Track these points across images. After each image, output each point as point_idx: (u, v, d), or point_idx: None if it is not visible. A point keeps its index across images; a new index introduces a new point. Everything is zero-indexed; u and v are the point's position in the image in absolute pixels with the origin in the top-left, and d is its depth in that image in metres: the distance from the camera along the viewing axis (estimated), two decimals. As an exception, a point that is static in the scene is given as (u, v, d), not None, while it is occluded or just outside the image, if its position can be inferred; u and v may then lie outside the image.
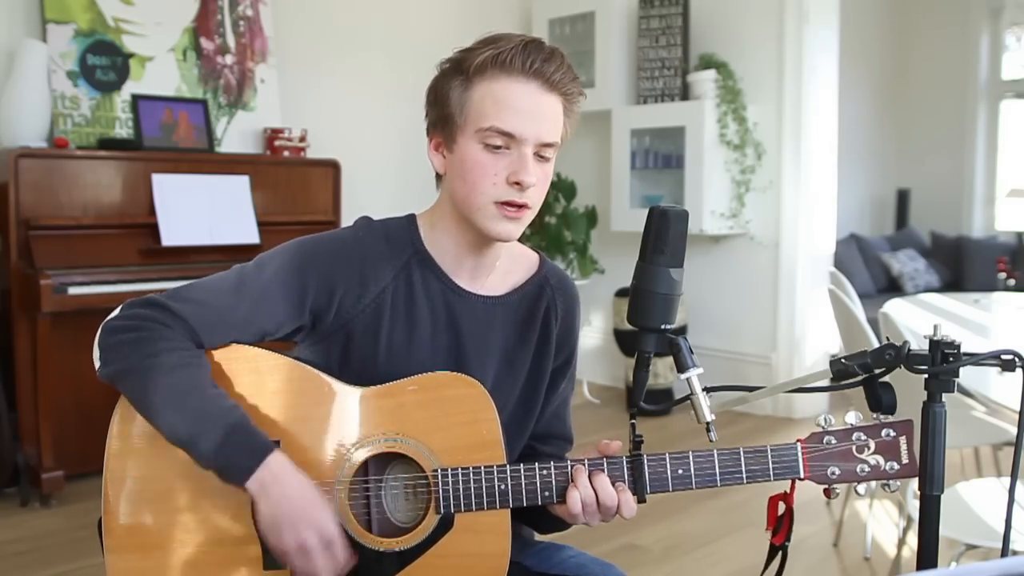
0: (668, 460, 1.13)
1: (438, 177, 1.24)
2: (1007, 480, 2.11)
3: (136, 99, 3.68)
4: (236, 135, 4.02)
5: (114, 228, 3.40)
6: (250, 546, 1.12)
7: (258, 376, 1.15)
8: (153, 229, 3.45)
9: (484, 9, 5.07)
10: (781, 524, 1.14)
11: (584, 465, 1.14)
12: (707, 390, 1.09)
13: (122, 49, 3.69)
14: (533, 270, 1.32)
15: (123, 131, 3.66)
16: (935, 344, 1.01)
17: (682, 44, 4.67)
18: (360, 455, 1.14)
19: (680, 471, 1.13)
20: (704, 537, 2.92)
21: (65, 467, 3.21)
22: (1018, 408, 0.97)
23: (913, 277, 6.15)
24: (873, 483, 1.14)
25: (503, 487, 1.12)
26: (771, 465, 1.12)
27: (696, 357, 1.10)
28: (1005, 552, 1.00)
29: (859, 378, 1.09)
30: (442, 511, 1.13)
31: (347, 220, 3.96)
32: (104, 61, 3.63)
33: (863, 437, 1.12)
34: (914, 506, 1.11)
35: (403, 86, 4.50)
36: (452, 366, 1.22)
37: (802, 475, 1.12)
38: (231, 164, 3.80)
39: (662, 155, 4.82)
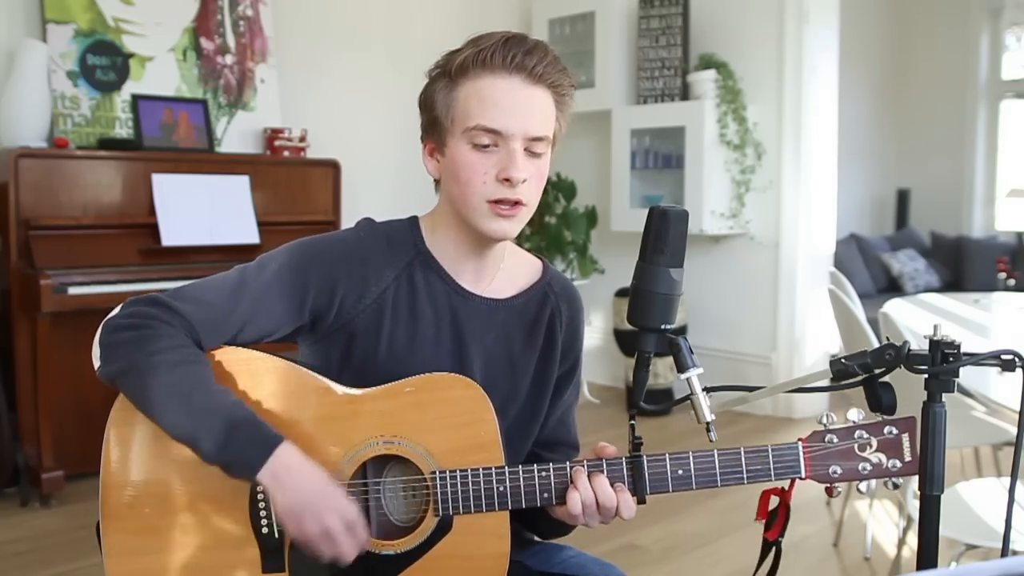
0: (668, 460, 1.13)
1: (436, 181, 1.24)
2: (1007, 480, 2.11)
3: (136, 99, 3.68)
4: (236, 135, 4.02)
5: (114, 228, 3.40)
6: (248, 548, 1.12)
7: (255, 378, 1.15)
8: (153, 229, 3.44)
9: (484, 9, 5.07)
10: (775, 519, 1.14)
11: (583, 466, 1.13)
12: (707, 390, 1.09)
13: (122, 49, 3.69)
14: (537, 276, 1.32)
15: (123, 131, 3.66)
16: (935, 344, 1.01)
17: (682, 44, 4.67)
18: (358, 457, 1.14)
19: (680, 471, 1.12)
20: (704, 537, 2.92)
21: (65, 467, 3.21)
22: (1018, 408, 0.97)
23: (913, 277, 6.15)
24: (875, 481, 1.14)
25: (501, 489, 1.12)
26: (772, 465, 1.12)
27: (696, 357, 1.09)
28: (1005, 552, 1.00)
29: (859, 378, 1.09)
30: (440, 513, 1.13)
31: (347, 220, 3.97)
32: (104, 61, 3.63)
33: (865, 435, 1.11)
34: (914, 506, 1.11)
35: (403, 86, 4.48)
36: (455, 367, 1.22)
37: (803, 474, 1.12)
38: (231, 164, 3.80)
39: (662, 155, 4.82)
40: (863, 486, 1.13)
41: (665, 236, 1.07)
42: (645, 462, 1.13)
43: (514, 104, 1.14)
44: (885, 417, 1.11)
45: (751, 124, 4.52)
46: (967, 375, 1.19)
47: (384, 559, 1.13)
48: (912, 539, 2.01)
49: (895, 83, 7.08)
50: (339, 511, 1.07)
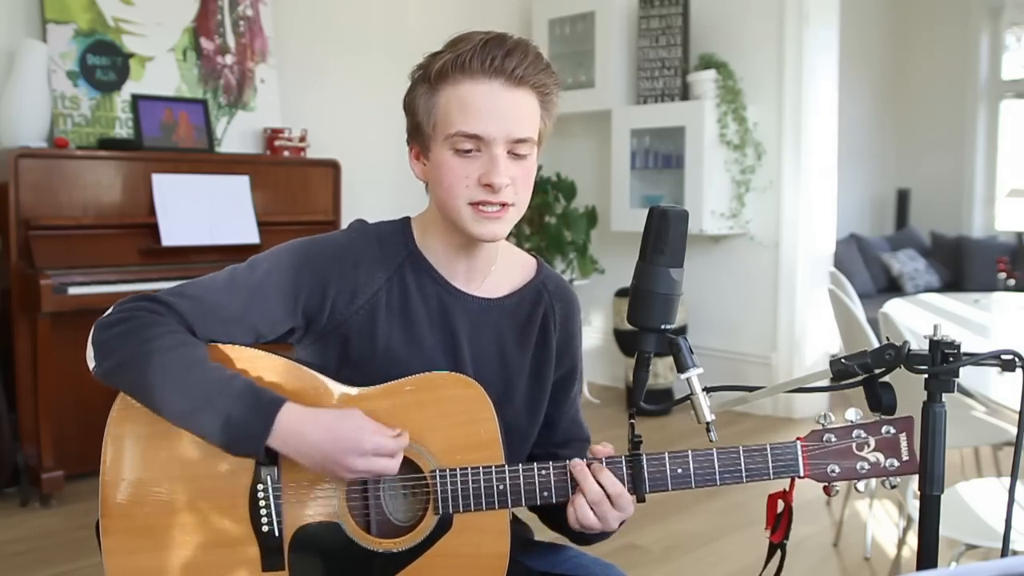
0: (667, 459, 1.13)
1: (425, 184, 1.24)
2: (1007, 480, 2.11)
3: (136, 99, 3.68)
4: (236, 135, 4.02)
5: (114, 228, 3.40)
6: (248, 547, 1.12)
7: (256, 376, 1.15)
8: (153, 229, 3.45)
9: (484, 9, 5.07)
10: (780, 522, 1.14)
11: (583, 463, 1.13)
12: (707, 390, 1.09)
13: (122, 49, 3.69)
14: (531, 275, 1.31)
15: (123, 131, 3.66)
16: (935, 344, 1.01)
17: (682, 44, 4.67)
18: None
19: (679, 470, 1.12)
20: (704, 537, 2.92)
21: (65, 467, 3.21)
22: (1018, 408, 0.97)
23: (913, 277, 6.15)
24: (873, 480, 1.14)
25: (501, 487, 1.12)
26: (771, 464, 1.12)
27: (696, 357, 1.09)
28: (1005, 552, 1.00)
29: (859, 378, 1.09)
30: (441, 511, 1.13)
31: (347, 220, 3.97)
32: (104, 61, 3.63)
33: (863, 434, 1.12)
34: (914, 506, 1.11)
35: (403, 86, 4.46)
36: (450, 366, 1.22)
37: (802, 473, 1.12)
38: (231, 164, 3.80)
39: (662, 155, 4.82)
40: (861, 485, 1.13)
41: (665, 236, 1.07)
42: (644, 461, 1.13)
43: (495, 109, 1.13)
44: (883, 416, 1.11)
45: (751, 124, 4.52)
46: (967, 375, 1.19)
47: (384, 557, 1.13)
48: (912, 539, 2.01)
49: (895, 83, 7.08)
50: (353, 449, 1.07)
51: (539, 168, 1.23)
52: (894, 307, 3.18)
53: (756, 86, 4.55)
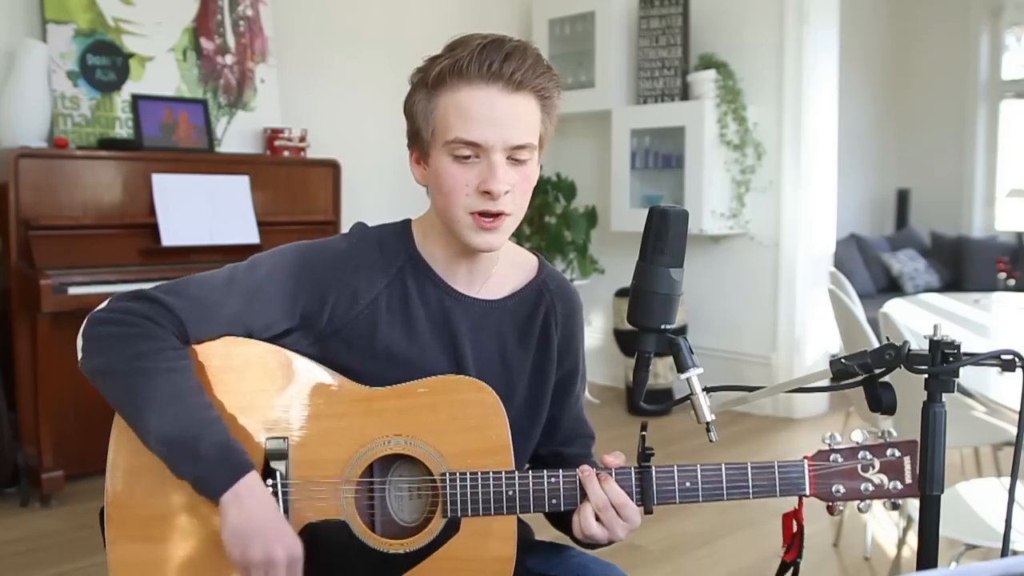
0: (676, 473, 1.13)
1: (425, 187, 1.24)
2: (1007, 480, 2.11)
3: (136, 99, 3.68)
4: (236, 135, 4.02)
5: (114, 228, 3.40)
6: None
7: (267, 371, 1.15)
8: (153, 229, 3.45)
9: (484, 9, 5.07)
10: (794, 541, 1.15)
11: (591, 471, 1.14)
12: (707, 390, 1.09)
13: (122, 49, 3.69)
14: (532, 274, 1.31)
15: (123, 131, 3.66)
16: (935, 344, 1.01)
17: (682, 44, 4.67)
18: (368, 455, 1.14)
19: (688, 484, 1.13)
20: (704, 537, 2.92)
21: (65, 467, 3.21)
22: (1018, 408, 0.97)
23: (913, 277, 6.15)
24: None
25: (511, 493, 1.12)
26: (778, 482, 1.13)
27: (696, 357, 1.09)
28: (1005, 552, 1.00)
29: (859, 378, 1.09)
30: (449, 514, 1.13)
31: (347, 220, 3.97)
32: (104, 61, 3.63)
33: (868, 456, 1.13)
34: (914, 506, 1.11)
35: (403, 86, 4.45)
36: (451, 368, 1.22)
37: (808, 492, 1.13)
38: (231, 164, 3.80)
39: (662, 155, 4.82)
40: (863, 504, 1.14)
41: (665, 236, 1.07)
42: (654, 473, 1.13)
43: (493, 115, 1.12)
44: (888, 440, 1.12)
45: (751, 124, 4.52)
46: (967, 375, 1.19)
47: (390, 558, 1.13)
48: (912, 539, 2.01)
49: (895, 83, 7.08)
50: (288, 545, 1.07)
51: (540, 168, 1.23)
52: (894, 307, 3.18)
53: (756, 86, 4.55)
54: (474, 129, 1.12)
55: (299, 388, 1.15)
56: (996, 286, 4.01)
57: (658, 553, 2.80)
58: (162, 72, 3.81)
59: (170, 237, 3.45)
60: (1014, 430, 1.30)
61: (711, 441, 1.10)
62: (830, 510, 1.14)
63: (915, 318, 3.00)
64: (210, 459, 1.06)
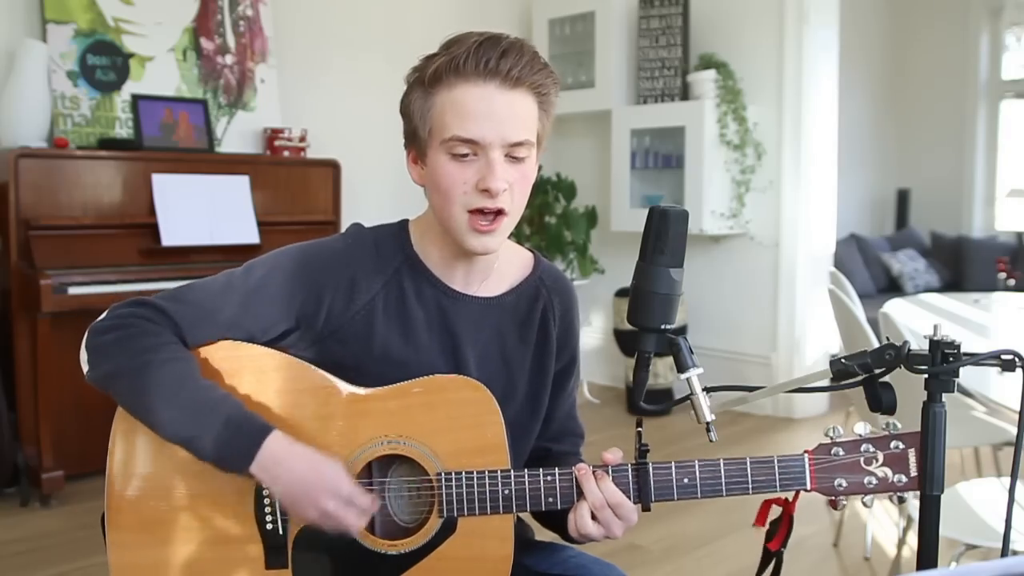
0: (673, 469, 1.12)
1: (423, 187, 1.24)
2: (1007, 480, 2.11)
3: (136, 99, 3.68)
4: (236, 135, 4.02)
5: (114, 228, 3.40)
6: (252, 544, 1.12)
7: (262, 375, 1.15)
8: (153, 229, 3.44)
9: (484, 9, 5.07)
10: (777, 529, 1.14)
11: (588, 470, 1.13)
12: (707, 390, 1.09)
13: (122, 49, 3.69)
14: (528, 270, 1.31)
15: (123, 131, 3.66)
16: (935, 344, 1.01)
17: (682, 44, 4.67)
18: (364, 457, 1.14)
19: (685, 480, 1.12)
20: (704, 537, 2.92)
21: (65, 467, 3.21)
22: (1018, 408, 0.97)
23: (913, 277, 6.15)
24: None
25: (507, 492, 1.12)
26: (778, 476, 1.12)
27: (696, 357, 1.09)
28: (1005, 552, 1.00)
29: (859, 378, 1.08)
30: (445, 514, 1.13)
31: (347, 220, 3.96)
32: (104, 61, 3.63)
33: (871, 449, 1.10)
34: (914, 506, 1.11)
35: (403, 86, 4.49)
36: (449, 368, 1.22)
37: (809, 487, 1.11)
38: (231, 164, 3.79)
39: (662, 155, 4.82)
40: (867, 499, 1.13)
41: (665, 236, 1.07)
42: (651, 470, 1.12)
43: (490, 112, 1.11)
44: (892, 432, 1.11)
45: (751, 124, 4.52)
46: (967, 375, 1.19)
47: (387, 559, 1.13)
48: (912, 539, 2.01)
49: (895, 83, 7.08)
50: (331, 490, 1.07)
51: (539, 168, 1.22)
52: (894, 307, 3.18)
53: (756, 86, 4.55)
54: (471, 126, 1.11)
55: (296, 390, 1.15)
56: (996, 286, 4.01)
57: (658, 553, 2.80)
58: (162, 72, 3.81)
59: (170, 237, 3.45)
60: (1014, 430, 1.30)
61: (711, 441, 1.10)
62: (833, 504, 1.13)
63: (915, 318, 3.00)
64: (227, 435, 1.06)
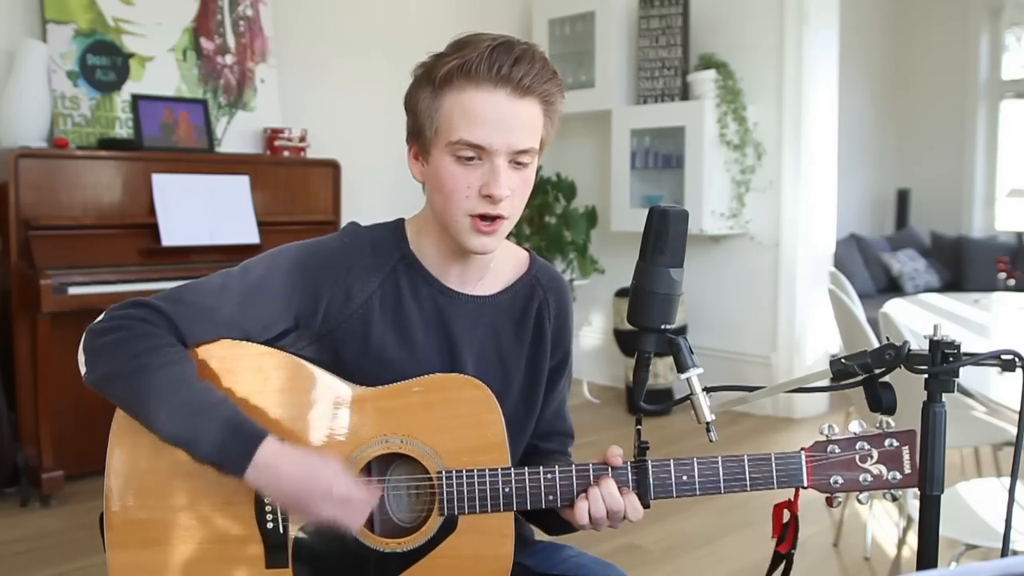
0: (672, 467, 1.13)
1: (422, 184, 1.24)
2: (1007, 480, 2.11)
3: (136, 99, 3.68)
4: (236, 135, 4.02)
5: (114, 228, 3.40)
6: (252, 544, 1.12)
7: (262, 374, 1.15)
8: (153, 229, 3.45)
9: (484, 9, 5.07)
10: (787, 532, 1.15)
11: (590, 471, 1.13)
12: (707, 390, 1.09)
13: (122, 49, 3.69)
14: (523, 269, 1.31)
15: (123, 131, 3.66)
16: (935, 344, 1.01)
17: (682, 44, 4.67)
18: (364, 456, 1.14)
19: (684, 478, 1.13)
20: (704, 537, 2.92)
21: (65, 467, 3.21)
22: (1018, 408, 0.97)
23: (913, 277, 6.15)
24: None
25: (507, 490, 1.12)
26: (775, 473, 1.12)
27: (696, 357, 1.09)
28: (1005, 552, 1.00)
29: (859, 378, 1.09)
30: (446, 513, 1.13)
31: (347, 220, 3.97)
32: (104, 61, 3.63)
33: (866, 446, 1.12)
34: (914, 506, 1.11)
35: (403, 86, 4.47)
36: (446, 367, 1.22)
37: (805, 483, 1.12)
38: (231, 164, 3.80)
39: (662, 155, 4.82)
40: (863, 496, 1.14)
41: (665, 236, 1.07)
42: (650, 467, 1.13)
43: (499, 119, 1.11)
44: (886, 429, 1.12)
45: (751, 124, 4.52)
46: (967, 375, 1.19)
47: (388, 557, 1.13)
48: (912, 539, 2.02)
49: (895, 83, 7.08)
50: (326, 494, 1.07)
51: (539, 169, 1.22)
52: (894, 307, 3.18)
53: (756, 86, 4.55)
54: (479, 132, 1.11)
55: (295, 390, 1.15)
56: (996, 286, 4.01)
57: (658, 553, 2.80)
58: (162, 72, 3.81)
59: (170, 237, 3.45)
60: (1014, 430, 1.30)
61: (711, 441, 1.10)
62: (829, 502, 1.14)
63: (915, 318, 3.00)
64: (221, 440, 1.07)
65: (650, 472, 1.13)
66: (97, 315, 1.16)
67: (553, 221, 4.87)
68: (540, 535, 1.36)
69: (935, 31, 6.93)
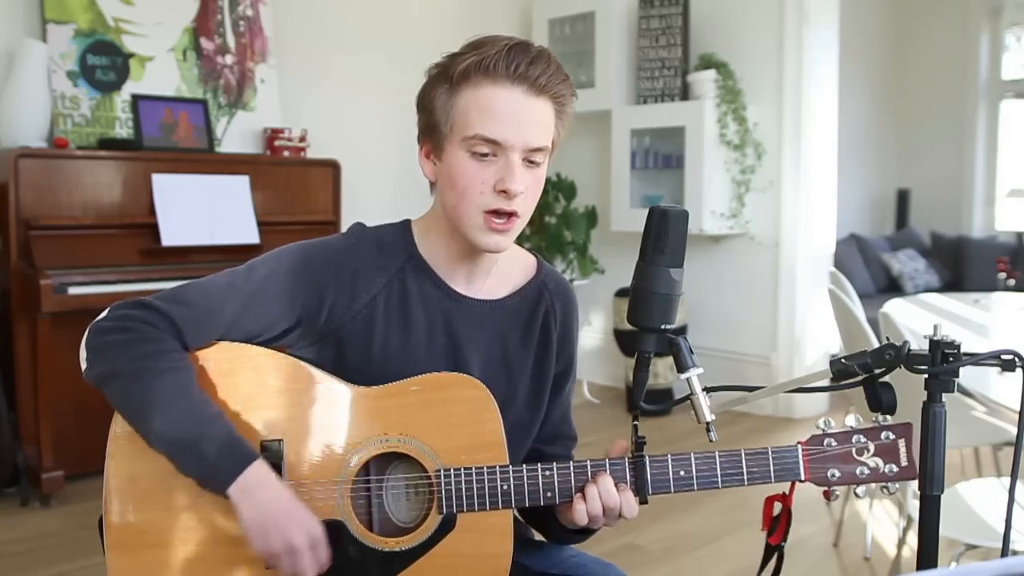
0: (670, 461, 1.13)
1: (432, 183, 1.24)
2: (1007, 480, 2.11)
3: (136, 99, 3.68)
4: (236, 135, 4.02)
5: (114, 228, 3.40)
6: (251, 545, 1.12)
7: (260, 374, 1.15)
8: (153, 229, 3.45)
9: (484, 9, 5.07)
10: (777, 524, 1.15)
11: (587, 468, 1.14)
12: (707, 390, 1.09)
13: (122, 49, 3.69)
14: (531, 274, 1.31)
15: (123, 131, 3.66)
16: (935, 344, 1.01)
17: (682, 44, 4.67)
18: (362, 455, 1.14)
19: (682, 472, 1.13)
20: (704, 537, 2.92)
21: (65, 467, 3.21)
22: (1018, 408, 0.97)
23: (913, 277, 6.15)
24: (872, 485, 1.14)
25: (505, 488, 1.12)
26: (772, 467, 1.13)
27: (696, 357, 1.10)
28: (1005, 552, 1.00)
29: (859, 378, 1.09)
30: (444, 511, 1.13)
31: (347, 220, 3.97)
32: (104, 61, 3.63)
33: (863, 439, 1.12)
34: (914, 506, 1.11)
35: (403, 86, 4.47)
36: (450, 368, 1.22)
37: (802, 477, 1.13)
38: (231, 164, 3.80)
39: (662, 155, 4.82)
40: (860, 490, 1.14)
41: (665, 236, 1.07)
42: (648, 463, 1.13)
43: (515, 115, 1.13)
44: (882, 422, 1.12)
45: (751, 124, 4.52)
46: (967, 375, 1.19)
47: (387, 556, 1.13)
48: (912, 539, 2.02)
49: (895, 83, 7.08)
50: (305, 528, 1.08)
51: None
52: (894, 307, 3.18)
53: (756, 86, 4.55)
54: (496, 127, 1.12)
55: (294, 390, 1.15)
56: (996, 286, 4.01)
57: (658, 553, 2.80)
58: (162, 72, 3.81)
59: (170, 237, 3.45)
60: (1014, 430, 1.30)
61: (711, 441, 1.10)
62: (827, 495, 1.14)
63: (915, 318, 3.00)
64: (213, 455, 1.07)
65: (648, 467, 1.13)
66: (97, 315, 1.16)
67: (553, 221, 4.87)
68: (540, 536, 1.36)
69: (935, 31, 6.93)
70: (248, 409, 1.14)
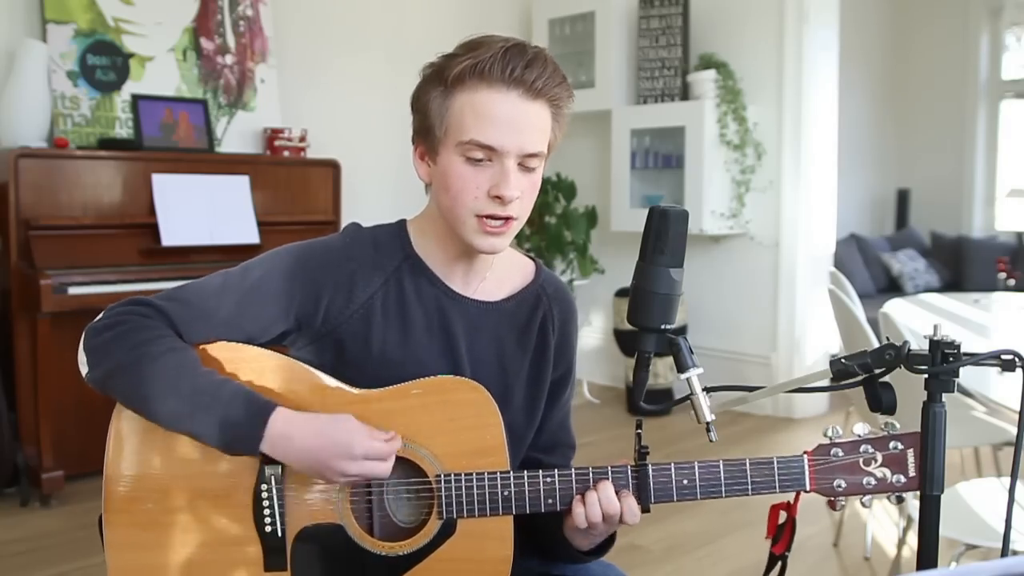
0: (673, 470, 1.12)
1: (427, 184, 1.23)
2: (1007, 480, 2.11)
3: (136, 99, 3.68)
4: (236, 135, 4.02)
5: (114, 228, 3.40)
6: (251, 546, 1.12)
7: (261, 377, 1.15)
8: (153, 229, 3.44)
9: (484, 9, 5.07)
10: (782, 533, 1.14)
11: (589, 475, 1.13)
12: (707, 390, 1.09)
13: (122, 49, 3.69)
14: (530, 278, 1.31)
15: (123, 131, 3.66)
16: (935, 344, 1.01)
17: (682, 44, 4.67)
18: None
19: (685, 481, 1.12)
20: (704, 537, 2.92)
21: (65, 467, 3.21)
22: (1018, 408, 0.97)
23: (913, 277, 6.15)
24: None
25: (506, 493, 1.12)
26: (777, 477, 1.12)
27: (696, 357, 1.09)
28: (1005, 552, 1.00)
29: (859, 378, 1.08)
30: (445, 516, 1.13)
31: (347, 220, 3.97)
32: (104, 61, 3.63)
33: (870, 450, 1.11)
34: (914, 506, 1.11)
35: (403, 86, 4.45)
36: (447, 369, 1.22)
37: (808, 487, 1.12)
38: (231, 164, 3.79)
39: (662, 155, 4.82)
40: (866, 499, 1.13)
41: (665, 236, 1.07)
42: (650, 471, 1.12)
43: (511, 120, 1.11)
44: (890, 432, 1.11)
45: (751, 124, 4.52)
46: (967, 375, 1.19)
47: (387, 560, 1.13)
48: (912, 539, 2.02)
49: (895, 83, 7.08)
50: (344, 454, 1.07)
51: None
52: (894, 307, 3.18)
53: (756, 86, 4.55)
54: (491, 133, 1.11)
55: (293, 392, 1.14)
56: (996, 286, 4.01)
57: (658, 553, 2.80)
58: (162, 72, 3.81)
59: (170, 237, 3.45)
60: (1014, 430, 1.30)
61: (711, 441, 1.10)
62: (831, 505, 1.13)
63: (915, 318, 3.00)
64: (232, 418, 1.06)
65: (650, 476, 1.12)
66: (97, 315, 1.16)
67: (553, 221, 4.87)
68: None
69: (935, 31, 6.93)
70: None
